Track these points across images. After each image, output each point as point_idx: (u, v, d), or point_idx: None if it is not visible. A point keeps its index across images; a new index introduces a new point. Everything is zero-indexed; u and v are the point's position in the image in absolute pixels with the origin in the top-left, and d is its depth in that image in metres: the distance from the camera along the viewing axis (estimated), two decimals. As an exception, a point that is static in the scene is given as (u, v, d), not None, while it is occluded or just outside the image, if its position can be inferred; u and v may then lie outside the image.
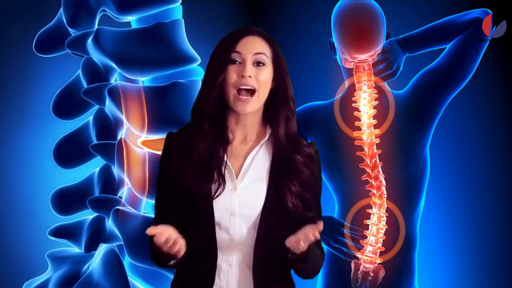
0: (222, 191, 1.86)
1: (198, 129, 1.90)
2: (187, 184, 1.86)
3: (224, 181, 1.87)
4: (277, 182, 1.89)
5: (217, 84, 1.87)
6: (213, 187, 1.87)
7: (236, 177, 1.90)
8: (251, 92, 1.87)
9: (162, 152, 1.96)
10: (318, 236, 1.76)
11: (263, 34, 1.92)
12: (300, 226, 1.91)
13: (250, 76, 1.85)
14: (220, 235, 1.87)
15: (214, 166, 1.87)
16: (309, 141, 2.00)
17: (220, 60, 1.88)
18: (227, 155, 1.91)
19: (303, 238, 1.75)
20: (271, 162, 1.93)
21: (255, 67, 1.87)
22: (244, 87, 1.86)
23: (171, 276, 1.99)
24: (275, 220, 1.89)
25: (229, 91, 1.87)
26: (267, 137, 1.94)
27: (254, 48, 1.88)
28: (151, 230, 1.73)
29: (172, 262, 1.88)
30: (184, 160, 1.88)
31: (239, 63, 1.87)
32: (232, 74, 1.86)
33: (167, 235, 1.75)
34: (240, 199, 1.88)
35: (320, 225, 1.75)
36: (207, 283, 1.87)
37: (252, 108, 1.87)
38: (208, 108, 1.89)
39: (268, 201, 1.88)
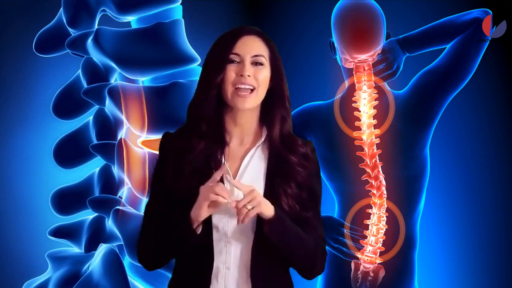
0: None
1: (195, 129, 1.90)
2: (184, 184, 1.86)
3: (222, 180, 1.87)
4: (273, 184, 1.89)
5: (215, 84, 1.87)
6: None
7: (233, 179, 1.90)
8: (250, 89, 1.87)
9: (159, 153, 1.95)
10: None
11: (260, 34, 1.92)
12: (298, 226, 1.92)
13: (249, 76, 1.85)
14: (217, 238, 1.87)
15: (211, 167, 1.87)
16: (306, 140, 2.00)
17: (218, 60, 1.87)
18: (224, 157, 1.91)
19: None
20: (267, 164, 1.92)
21: (254, 66, 1.87)
22: (243, 86, 1.86)
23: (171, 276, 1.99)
24: None
25: (228, 89, 1.87)
26: (263, 139, 1.94)
27: (253, 50, 1.87)
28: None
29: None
30: (181, 160, 1.88)
31: (238, 62, 1.87)
32: (231, 73, 1.86)
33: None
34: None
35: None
36: (204, 285, 1.87)
37: (250, 104, 1.87)
38: (206, 109, 1.89)
39: None
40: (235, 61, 1.87)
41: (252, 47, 1.88)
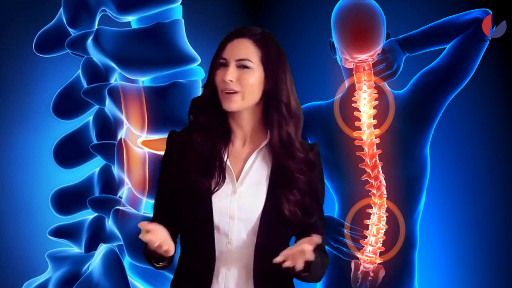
0: (223, 184, 1.86)
1: (196, 124, 1.91)
2: (187, 178, 1.86)
3: (224, 176, 1.87)
4: (275, 189, 1.88)
5: (207, 86, 1.90)
6: (213, 182, 1.87)
7: (236, 180, 1.90)
8: (235, 91, 1.87)
9: (165, 151, 1.96)
10: (310, 256, 1.74)
11: (253, 35, 1.89)
12: (301, 232, 1.91)
13: (231, 80, 1.86)
14: (219, 239, 1.87)
15: (214, 161, 1.88)
16: (312, 143, 2.00)
17: (212, 63, 1.91)
18: (227, 155, 1.91)
19: (298, 255, 1.74)
20: (271, 167, 1.92)
21: (240, 69, 1.87)
22: (226, 91, 1.86)
23: (171, 276, 1.99)
24: (275, 224, 1.88)
25: (218, 92, 1.89)
26: (266, 142, 1.93)
27: (237, 54, 1.87)
28: (144, 225, 1.73)
29: (160, 264, 1.90)
30: (185, 154, 1.88)
31: (226, 66, 1.88)
32: (218, 77, 1.88)
33: (158, 236, 1.75)
34: (240, 203, 1.87)
35: (316, 239, 1.75)
36: (205, 285, 1.87)
37: (236, 105, 1.87)
38: (201, 105, 1.91)
39: (267, 206, 1.87)
40: (224, 64, 1.88)
41: (238, 51, 1.87)
